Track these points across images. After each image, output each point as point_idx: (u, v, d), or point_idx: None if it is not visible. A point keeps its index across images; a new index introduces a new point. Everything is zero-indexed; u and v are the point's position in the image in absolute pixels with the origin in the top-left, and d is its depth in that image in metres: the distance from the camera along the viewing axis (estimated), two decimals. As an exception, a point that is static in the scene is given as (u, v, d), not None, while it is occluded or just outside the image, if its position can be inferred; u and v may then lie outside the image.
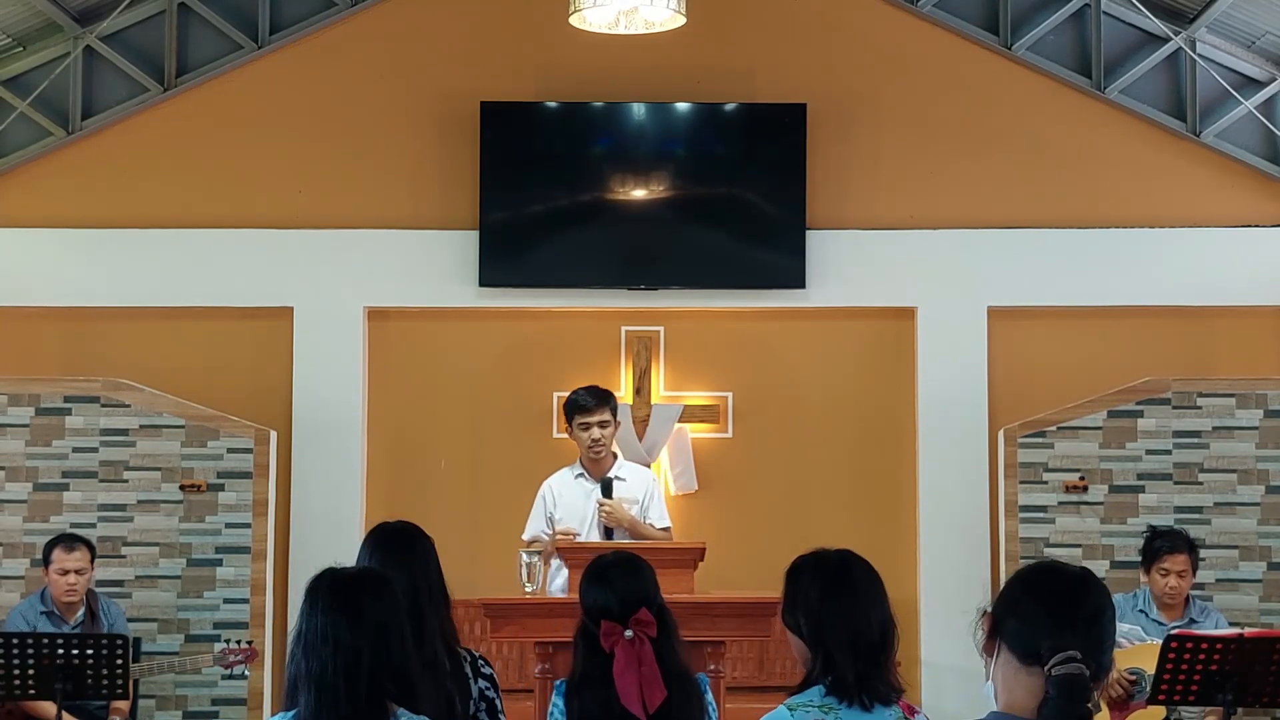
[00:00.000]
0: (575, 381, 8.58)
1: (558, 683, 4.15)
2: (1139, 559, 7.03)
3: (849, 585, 3.34)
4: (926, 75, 8.75)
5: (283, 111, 8.71)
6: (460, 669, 4.02)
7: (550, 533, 6.54)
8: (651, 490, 6.70)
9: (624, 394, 8.56)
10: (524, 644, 6.80)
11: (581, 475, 6.63)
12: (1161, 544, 6.66)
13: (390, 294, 8.64)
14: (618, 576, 4.09)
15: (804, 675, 3.33)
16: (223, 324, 8.62)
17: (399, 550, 4.06)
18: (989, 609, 2.59)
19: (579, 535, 6.43)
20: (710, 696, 4.20)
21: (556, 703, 4.12)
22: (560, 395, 8.64)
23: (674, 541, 6.46)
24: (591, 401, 6.58)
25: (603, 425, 6.54)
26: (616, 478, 6.53)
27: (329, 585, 3.12)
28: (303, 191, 8.68)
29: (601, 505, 6.40)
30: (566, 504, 6.58)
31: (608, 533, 6.38)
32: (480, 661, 4.11)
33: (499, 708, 4.07)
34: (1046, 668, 2.42)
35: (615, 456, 6.73)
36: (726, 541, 7.80)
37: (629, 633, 3.98)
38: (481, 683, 4.06)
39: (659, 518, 6.62)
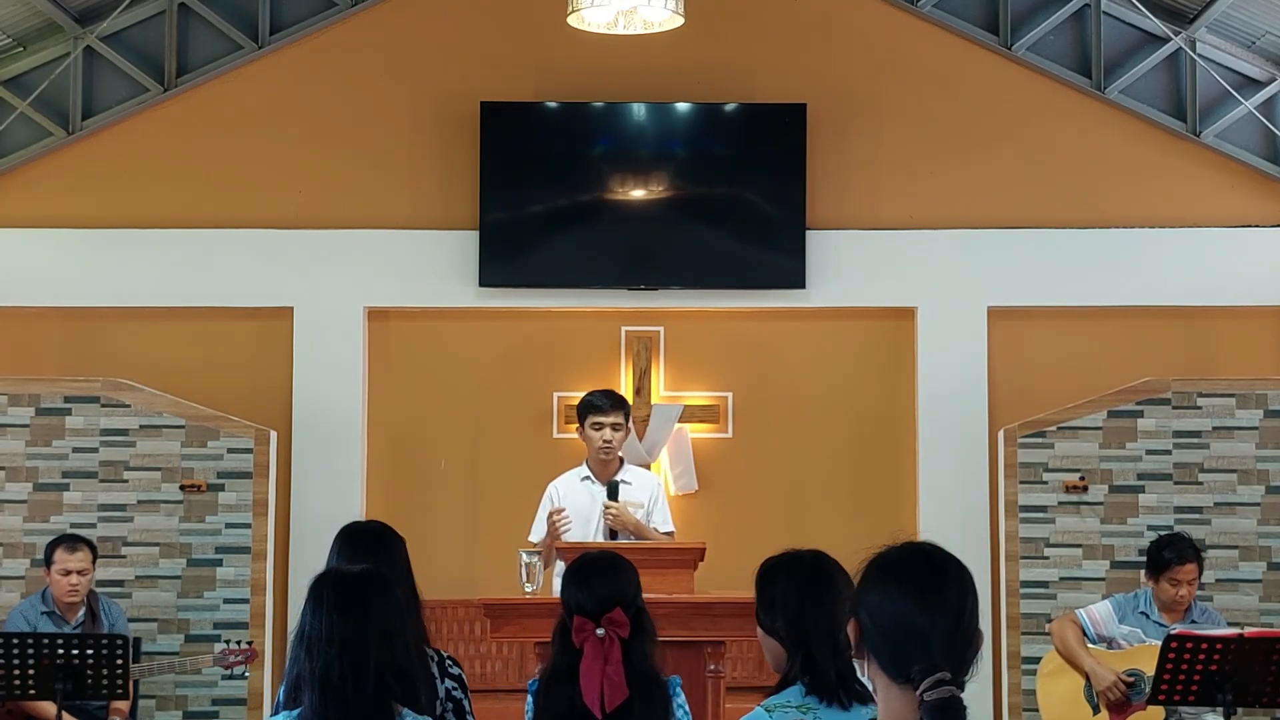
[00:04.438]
0: (575, 381, 8.63)
1: (530, 681, 4.16)
2: (1140, 559, 7.03)
3: (827, 585, 3.38)
4: (926, 75, 8.75)
5: (283, 111, 8.71)
6: (427, 669, 4.01)
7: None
8: (656, 494, 6.74)
9: (624, 394, 8.55)
10: (524, 644, 6.80)
11: (588, 478, 6.67)
12: (1171, 555, 6.62)
13: (390, 294, 8.64)
14: (597, 575, 4.10)
15: (779, 677, 3.35)
16: (223, 324, 8.62)
17: (366, 550, 4.03)
18: (852, 611, 2.49)
19: (583, 536, 6.46)
20: (682, 698, 4.19)
21: (528, 700, 4.14)
22: (560, 395, 8.67)
23: (674, 541, 6.47)
24: (606, 403, 6.66)
25: (615, 428, 6.59)
26: (622, 481, 6.56)
27: (334, 585, 3.12)
28: (303, 191, 8.68)
29: (608, 508, 6.43)
30: (572, 506, 6.60)
31: (612, 535, 6.40)
32: (449, 661, 4.11)
33: (467, 708, 4.08)
34: (918, 692, 2.33)
35: (621, 461, 6.77)
36: (726, 541, 7.79)
37: (600, 631, 3.99)
38: (449, 683, 4.06)
39: (663, 522, 6.66)
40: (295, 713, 3.04)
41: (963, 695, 2.36)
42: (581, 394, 8.57)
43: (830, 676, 3.28)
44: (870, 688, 2.50)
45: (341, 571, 3.18)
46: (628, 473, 6.72)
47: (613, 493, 6.48)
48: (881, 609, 2.42)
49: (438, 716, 4.00)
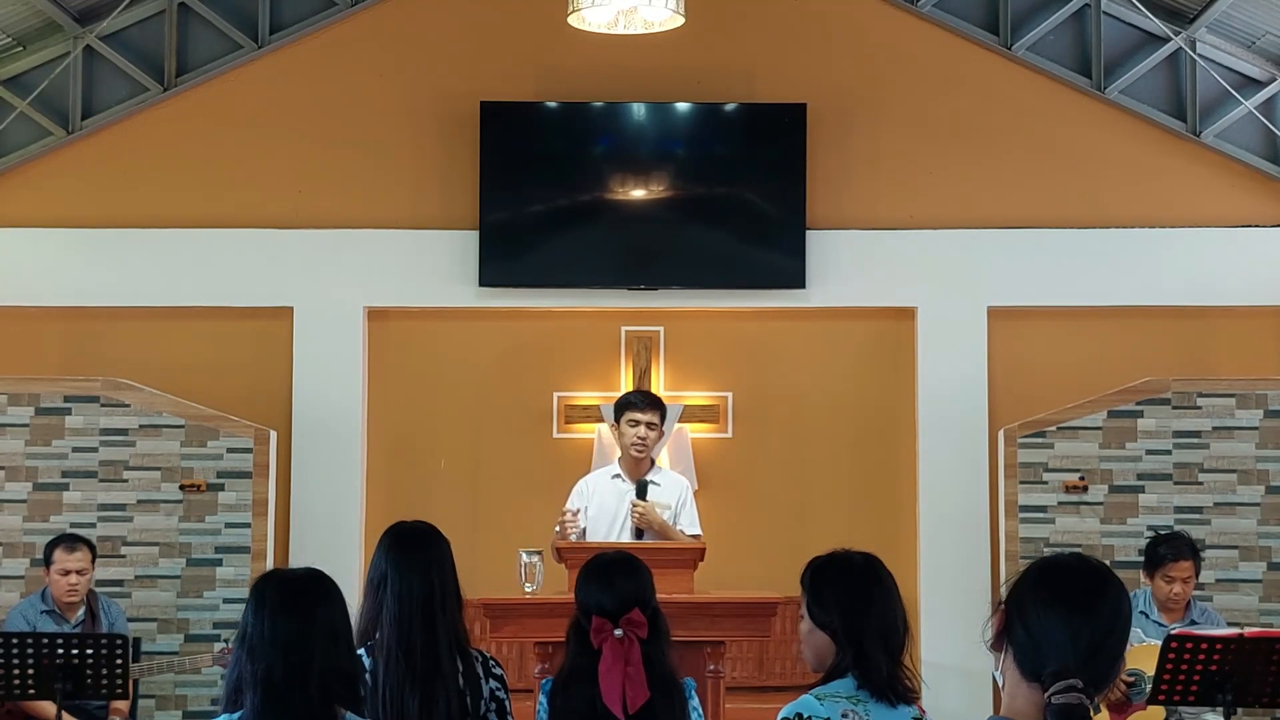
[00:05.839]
0: (575, 381, 8.65)
1: (544, 681, 4.16)
2: (1140, 559, 7.03)
3: (879, 586, 3.44)
4: (926, 75, 8.75)
5: (283, 111, 8.71)
6: (472, 669, 4.03)
7: (584, 527, 6.57)
8: (684, 497, 6.74)
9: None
10: (524, 644, 6.82)
11: (618, 476, 6.68)
12: (1166, 551, 6.65)
13: (390, 294, 8.64)
14: (615, 575, 4.10)
15: (826, 671, 3.39)
16: (223, 324, 8.62)
17: (416, 551, 4.07)
18: (1004, 603, 2.58)
19: (608, 533, 6.48)
20: (696, 701, 4.19)
21: (541, 701, 4.13)
22: (560, 395, 8.68)
23: (677, 541, 6.48)
24: (643, 402, 6.70)
25: (650, 427, 6.61)
26: (651, 482, 6.57)
27: (277, 587, 3.10)
28: (303, 191, 8.67)
29: (635, 506, 6.45)
30: (599, 502, 6.63)
31: (638, 533, 6.42)
32: (491, 662, 4.13)
33: (508, 708, 4.10)
34: (1047, 694, 2.43)
35: (652, 462, 6.77)
36: (726, 541, 7.80)
37: (619, 631, 3.99)
38: (492, 683, 4.08)
39: (690, 524, 6.65)
40: (237, 715, 3.03)
41: (1090, 706, 2.45)
42: (581, 394, 8.67)
43: (883, 674, 3.36)
44: (999, 682, 2.59)
45: (284, 573, 3.16)
46: (657, 474, 6.74)
47: (641, 491, 6.50)
48: (1035, 611, 2.52)
49: (480, 716, 4.03)
